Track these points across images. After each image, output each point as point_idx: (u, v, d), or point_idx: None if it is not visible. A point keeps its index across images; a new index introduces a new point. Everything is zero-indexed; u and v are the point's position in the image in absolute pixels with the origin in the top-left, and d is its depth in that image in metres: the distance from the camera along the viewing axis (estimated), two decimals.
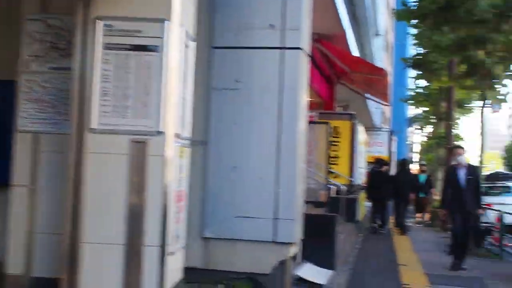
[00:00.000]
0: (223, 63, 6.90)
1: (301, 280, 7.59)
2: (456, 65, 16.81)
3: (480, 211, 10.54)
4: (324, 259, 8.72)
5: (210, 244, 6.85)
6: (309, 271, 7.97)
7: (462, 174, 10.08)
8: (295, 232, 6.75)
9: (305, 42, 6.99)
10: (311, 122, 11.37)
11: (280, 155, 6.69)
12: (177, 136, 4.84)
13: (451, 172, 10.49)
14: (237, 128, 6.82)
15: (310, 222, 8.39)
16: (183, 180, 5.18)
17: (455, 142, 21.81)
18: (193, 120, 6.65)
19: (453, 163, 10.57)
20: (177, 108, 4.81)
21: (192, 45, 5.30)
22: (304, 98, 7.11)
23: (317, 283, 7.64)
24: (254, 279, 6.71)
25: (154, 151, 4.62)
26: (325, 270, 8.52)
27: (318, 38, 13.86)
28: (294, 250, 7.02)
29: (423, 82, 27.23)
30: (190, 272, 6.64)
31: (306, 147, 12.20)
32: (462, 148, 10.73)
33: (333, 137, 16.00)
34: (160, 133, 4.62)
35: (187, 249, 6.75)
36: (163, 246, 4.65)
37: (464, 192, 10.00)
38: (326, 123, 11.32)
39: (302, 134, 7.02)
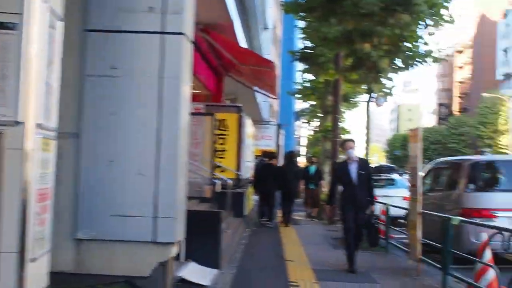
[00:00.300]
0: (99, 48, 6.34)
1: (184, 281, 7.16)
2: (343, 58, 16.89)
3: (372, 207, 10.00)
4: (209, 258, 8.35)
5: (84, 246, 6.27)
6: (193, 272, 7.56)
7: (353, 169, 9.72)
8: (177, 231, 6.30)
9: (188, 27, 6.54)
10: (195, 114, 10.96)
11: (160, 148, 6.22)
12: (40, 126, 4.24)
13: (341, 167, 10.12)
14: (113, 119, 6.28)
15: (193, 219, 7.98)
16: (48, 176, 4.57)
17: (342, 136, 22.04)
18: (63, 110, 6.06)
19: (341, 157, 10.37)
20: (39, 95, 4.22)
21: (60, 25, 4.71)
22: (187, 87, 6.67)
23: (201, 284, 7.22)
24: (132, 282, 6.21)
25: (11, 144, 4.01)
26: (210, 269, 8.14)
27: (204, 28, 13.46)
28: (176, 250, 6.57)
29: (310, 76, 27.41)
30: (60, 278, 6.05)
31: (192, 140, 11.87)
32: (353, 141, 10.27)
33: (220, 130, 15.67)
34: (18, 123, 4.01)
35: (57, 252, 6.15)
36: (22, 252, 4.06)
37: (356, 187, 9.64)
38: (211, 114, 10.90)
39: (185, 126, 6.57)
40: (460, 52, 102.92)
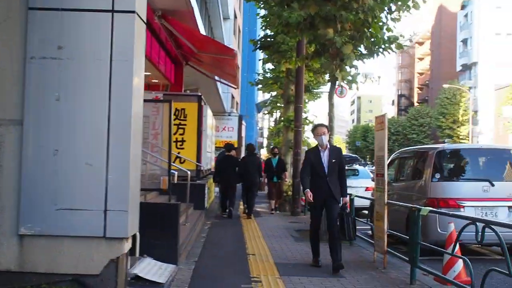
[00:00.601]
0: (43, 27, 5.83)
1: (138, 278, 6.71)
2: (306, 46, 16.51)
3: (345, 199, 9.15)
4: (166, 253, 7.93)
5: (28, 242, 5.78)
6: (148, 268, 7.12)
7: (324, 157, 8.95)
8: (129, 225, 5.85)
9: (141, 5, 6.07)
10: (150, 101, 10.49)
11: (110, 137, 5.76)
12: None
13: (313, 154, 9.16)
14: (60, 105, 5.79)
15: (150, 212, 7.60)
16: None
17: (304, 126, 21.72)
18: (4, 94, 5.62)
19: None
20: None
21: None
22: (140, 70, 6.21)
23: (156, 282, 6.78)
24: (81, 281, 5.76)
25: None
26: (167, 265, 7.71)
27: (163, 14, 12.98)
28: (129, 245, 6.12)
29: (271, 66, 27.06)
30: (1, 277, 5.61)
31: (151, 130, 11.39)
32: (325, 126, 9.36)
33: (180, 119, 15.24)
34: None
35: None
36: None
37: (327, 177, 8.91)
38: (169, 101, 10.40)
39: (138, 113, 6.11)
40: (422, 44, 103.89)
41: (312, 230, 9.21)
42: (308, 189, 8.92)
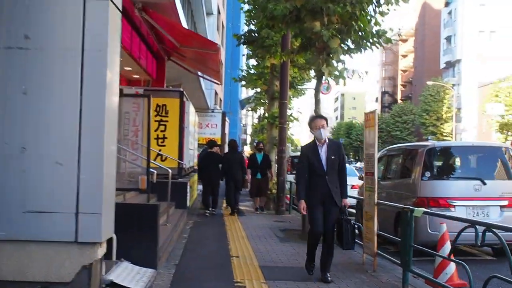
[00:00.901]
0: (9, 15, 5.41)
1: (114, 285, 6.28)
2: (291, 40, 16.15)
3: (346, 201, 8.17)
4: (145, 256, 7.48)
5: None
6: (125, 273, 6.67)
7: (323, 153, 8.00)
8: (104, 228, 5.44)
9: None
10: (127, 95, 10.04)
11: (82, 133, 5.34)
12: None
13: (310, 151, 8.14)
14: (27, 99, 5.37)
15: (127, 213, 7.19)
16: None
17: (289, 122, 21.32)
18: None
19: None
20: None
21: None
22: (115, 62, 5.77)
23: None
24: None
25: None
26: (145, 269, 7.27)
27: (144, 7, 12.51)
28: (103, 250, 5.70)
29: (255, 62, 26.70)
30: None
31: (131, 127, 10.96)
32: (325, 118, 8.35)
33: (161, 116, 14.81)
34: None
35: None
36: None
37: (326, 176, 7.98)
38: (147, 96, 9.91)
39: (112, 108, 5.68)
40: (405, 41, 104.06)
41: (311, 234, 8.15)
42: (303, 200, 8.00)
